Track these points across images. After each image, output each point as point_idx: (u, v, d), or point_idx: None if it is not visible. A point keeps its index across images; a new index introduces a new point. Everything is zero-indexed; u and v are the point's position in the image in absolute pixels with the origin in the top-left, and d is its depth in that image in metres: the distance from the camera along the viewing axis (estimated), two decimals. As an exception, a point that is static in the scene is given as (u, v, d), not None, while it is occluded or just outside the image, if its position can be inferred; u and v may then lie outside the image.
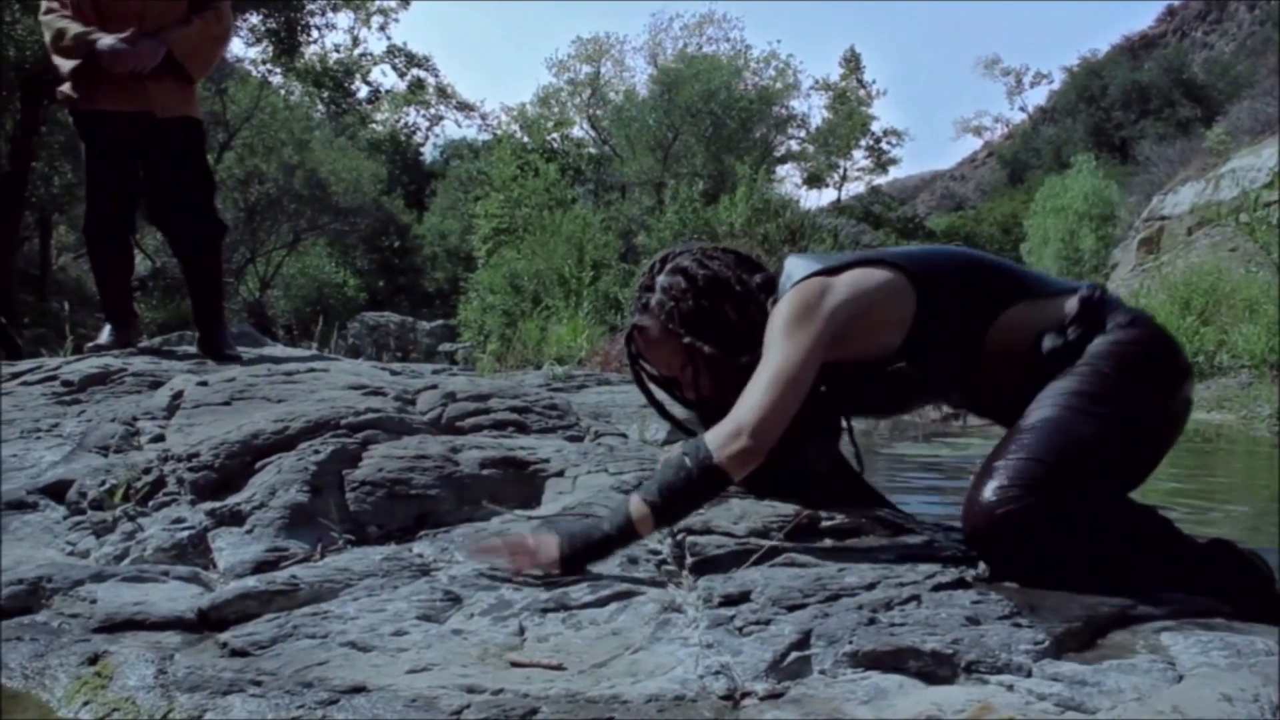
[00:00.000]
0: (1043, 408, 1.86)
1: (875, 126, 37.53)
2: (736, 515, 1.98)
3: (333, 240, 26.34)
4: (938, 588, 1.61)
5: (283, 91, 26.40)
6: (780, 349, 1.87)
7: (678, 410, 2.27)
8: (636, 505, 1.77)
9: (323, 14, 19.36)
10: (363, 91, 36.76)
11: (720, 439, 1.78)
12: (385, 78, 40.13)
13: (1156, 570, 1.78)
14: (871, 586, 1.61)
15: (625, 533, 1.77)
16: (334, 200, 24.23)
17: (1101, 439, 1.84)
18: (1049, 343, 1.95)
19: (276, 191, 22.95)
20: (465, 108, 39.94)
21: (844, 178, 37.39)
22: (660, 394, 2.19)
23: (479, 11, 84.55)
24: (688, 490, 1.78)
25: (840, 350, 1.94)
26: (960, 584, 1.64)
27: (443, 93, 39.39)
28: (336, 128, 30.88)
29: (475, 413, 2.74)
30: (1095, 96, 39.97)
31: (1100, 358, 1.91)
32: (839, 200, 37.03)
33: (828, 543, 1.92)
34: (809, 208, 29.07)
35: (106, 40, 3.86)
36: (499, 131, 34.28)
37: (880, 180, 40.09)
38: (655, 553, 1.84)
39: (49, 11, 3.96)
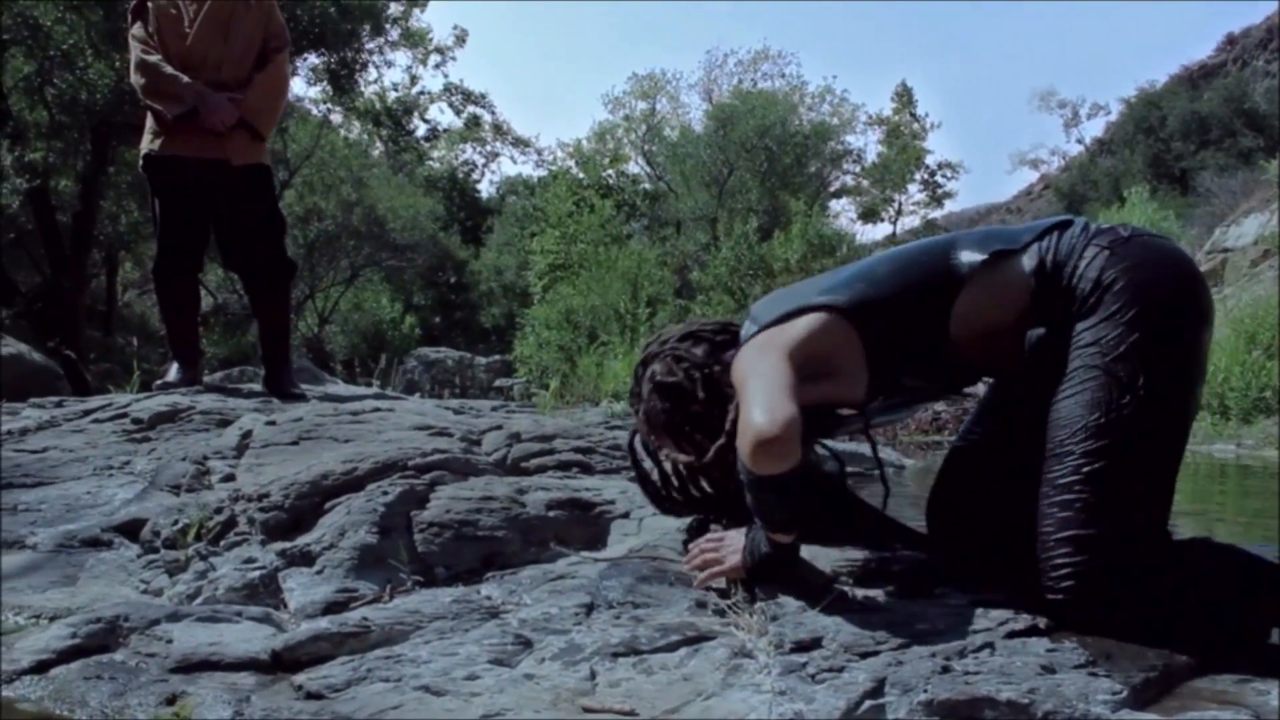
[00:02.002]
0: (1072, 442, 1.70)
1: (930, 160, 37.39)
2: (806, 559, 1.97)
3: (390, 276, 26.66)
4: (1011, 635, 1.59)
5: (342, 130, 26.88)
6: (752, 374, 1.80)
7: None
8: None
9: (381, 53, 19.70)
10: (420, 129, 37.29)
11: (740, 444, 1.72)
12: (442, 115, 40.70)
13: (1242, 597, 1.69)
14: (944, 633, 1.59)
15: (769, 541, 1.79)
16: (391, 237, 24.55)
17: (1142, 452, 1.69)
18: (1033, 338, 1.80)
19: (335, 228, 23.29)
20: (521, 144, 40.32)
21: (899, 211, 37.19)
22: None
23: (535, 48, 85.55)
24: (766, 501, 1.74)
25: (813, 392, 1.85)
26: (1034, 631, 1.61)
27: (499, 129, 39.81)
28: (394, 165, 31.33)
29: (540, 453, 2.76)
30: (1154, 127, 39.46)
31: (1103, 354, 1.72)
32: (894, 234, 36.80)
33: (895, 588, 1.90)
34: (865, 242, 29.00)
35: (217, 95, 4.05)
36: (555, 167, 34.56)
37: (936, 214, 39.83)
38: (725, 596, 1.83)
39: (146, 52, 4.11)
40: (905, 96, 38.38)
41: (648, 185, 33.10)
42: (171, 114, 4.05)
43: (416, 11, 22.81)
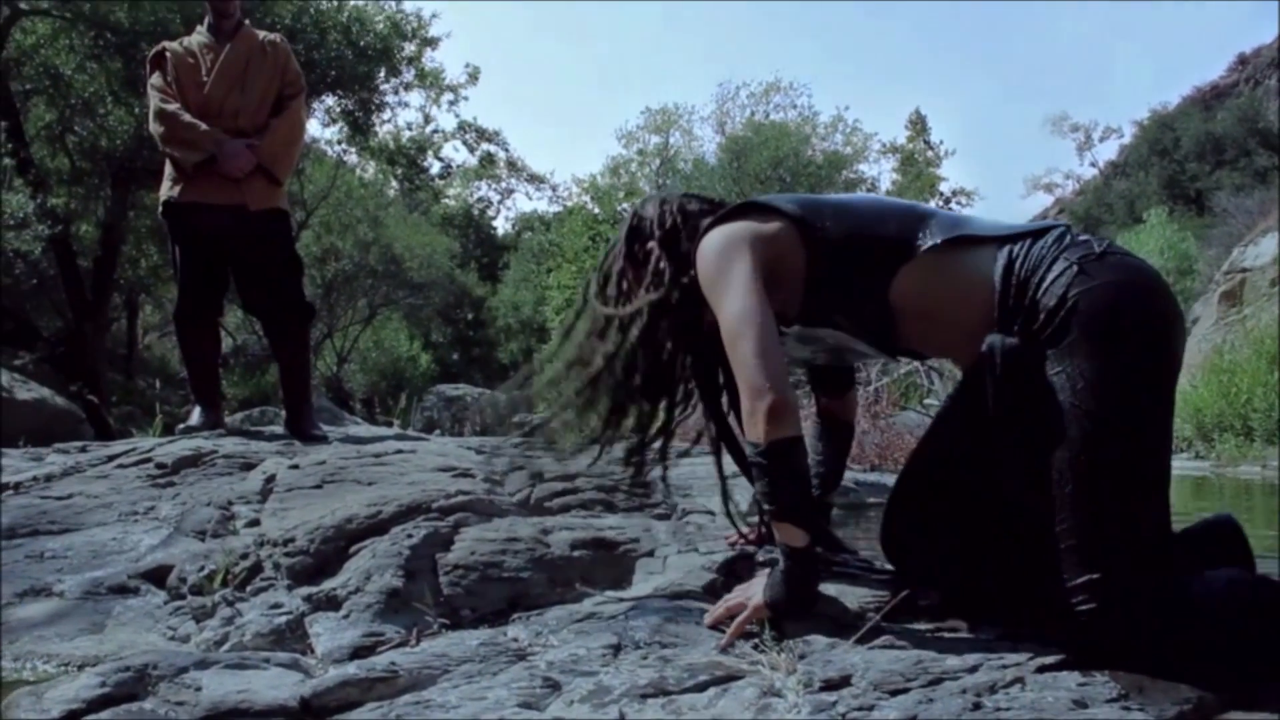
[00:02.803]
0: (1063, 485, 1.69)
1: (944, 186, 37.38)
2: (832, 595, 1.96)
3: (407, 314, 26.77)
4: (1041, 669, 1.58)
5: (357, 170, 27.06)
6: (723, 305, 1.88)
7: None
8: (775, 528, 1.82)
9: (395, 94, 19.85)
10: (435, 167, 37.48)
11: (749, 424, 1.79)
12: (457, 153, 40.91)
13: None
14: (974, 669, 1.58)
15: (790, 552, 1.79)
16: (408, 275, 24.66)
17: (1132, 483, 1.68)
18: (1002, 345, 1.75)
19: (352, 268, 23.43)
20: (536, 180, 40.49)
21: (915, 239, 37.17)
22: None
23: (547, 85, 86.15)
24: (775, 481, 1.77)
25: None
26: (1065, 665, 1.60)
27: (513, 166, 40.00)
28: (410, 203, 31.49)
29: (563, 492, 2.76)
30: (1168, 149, 39.45)
31: (1076, 390, 1.70)
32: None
33: (925, 622, 1.89)
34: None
35: (235, 142, 4.11)
36: (570, 203, 34.74)
37: (951, 240, 39.75)
38: (752, 635, 1.83)
39: (165, 101, 4.18)
40: (919, 124, 38.50)
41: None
42: (190, 162, 4.11)
43: (430, 51, 22.95)
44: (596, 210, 30.68)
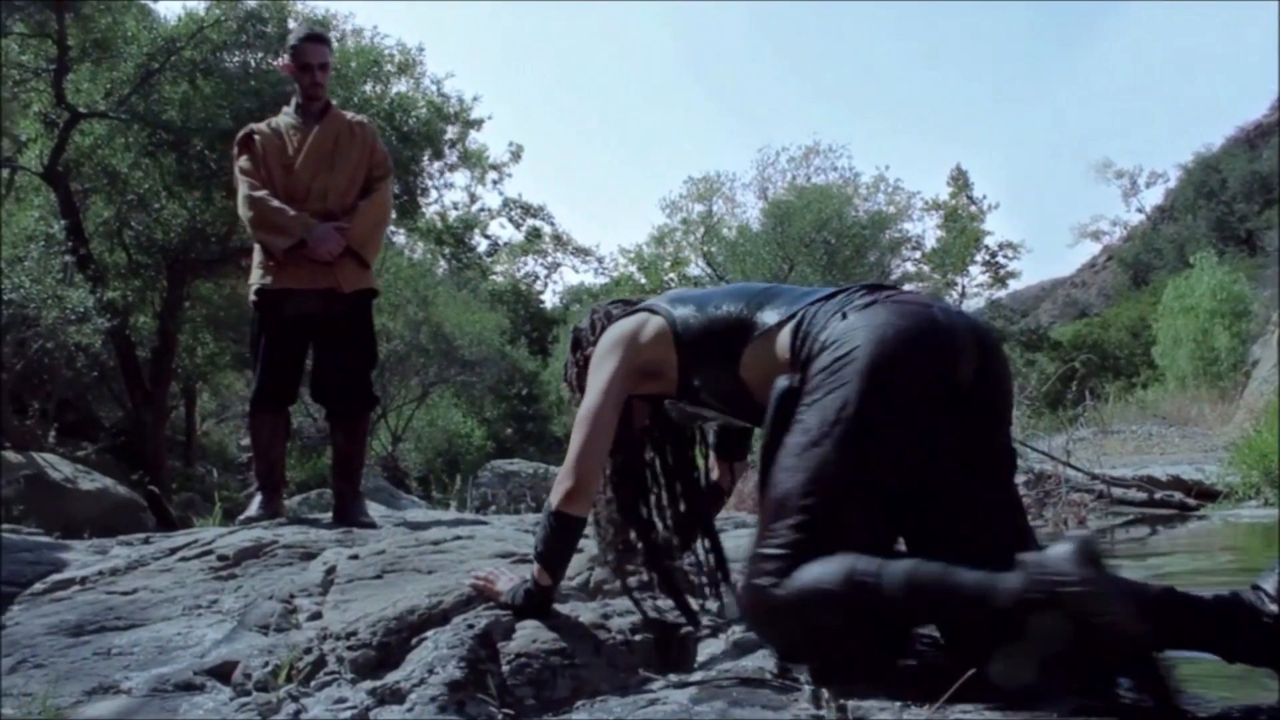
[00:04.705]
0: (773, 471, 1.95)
1: (990, 241, 37.15)
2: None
3: (460, 392, 26.93)
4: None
5: (405, 250, 27.45)
6: (587, 394, 2.31)
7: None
8: (536, 565, 2.28)
9: (440, 175, 20.21)
10: (482, 245, 37.93)
11: (555, 490, 2.24)
12: (503, 230, 41.33)
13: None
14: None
15: (535, 584, 2.28)
16: (459, 353, 24.84)
17: (817, 477, 1.86)
18: (779, 387, 2.02)
19: (404, 348, 23.66)
20: (582, 253, 40.79)
21: (963, 294, 36.89)
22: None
23: (589, 158, 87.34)
24: (552, 538, 2.25)
25: (648, 385, 2.35)
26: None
27: (559, 240, 40.37)
28: (458, 281, 31.86)
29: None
30: (1214, 191, 39.06)
31: (805, 404, 1.94)
32: (959, 317, 36.43)
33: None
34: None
35: (324, 226, 4.13)
36: (616, 274, 34.94)
37: (1000, 294, 39.50)
38: (818, 717, 1.80)
39: (254, 187, 4.19)
40: (961, 180, 38.36)
41: (710, 285, 33.26)
42: (281, 248, 4.12)
43: (473, 132, 23.37)
44: (644, 280, 30.85)
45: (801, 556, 1.82)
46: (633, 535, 2.54)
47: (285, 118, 4.37)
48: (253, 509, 4.30)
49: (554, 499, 2.23)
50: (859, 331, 1.91)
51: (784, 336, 2.09)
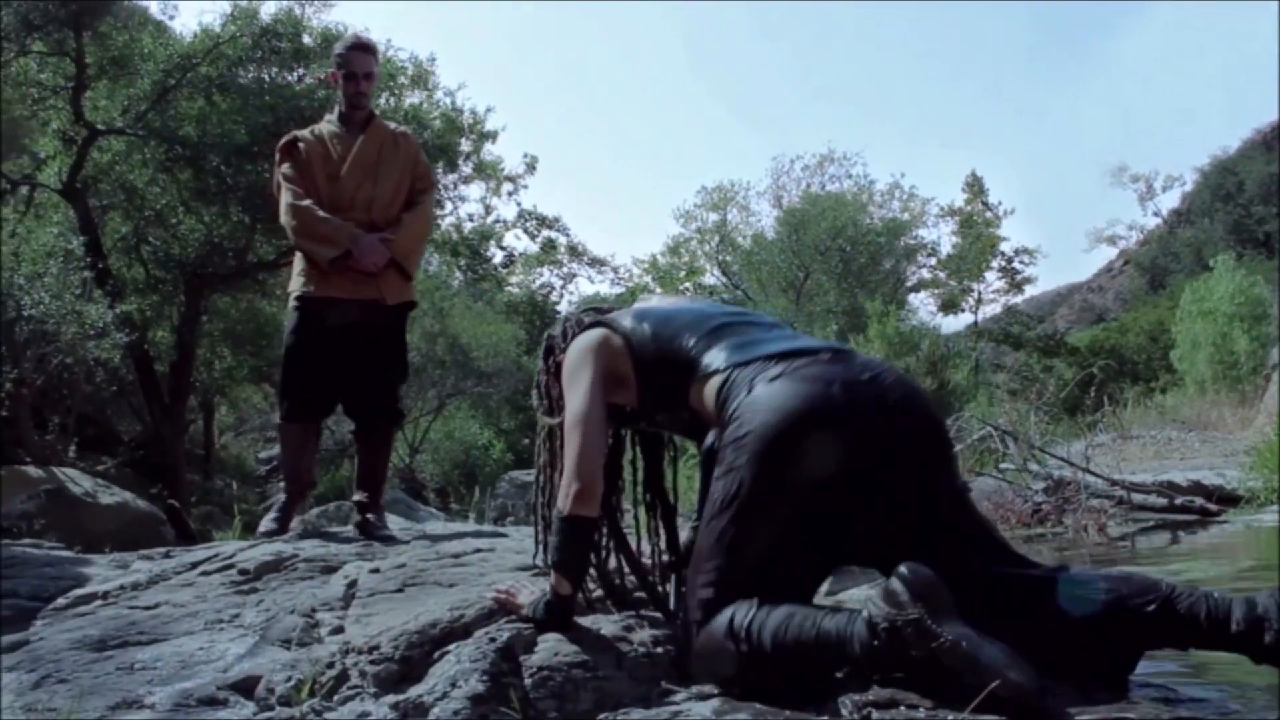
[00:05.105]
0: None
1: (1006, 246, 37.05)
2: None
3: (476, 403, 26.95)
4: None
5: (421, 262, 27.46)
6: (569, 402, 2.43)
7: None
8: (553, 574, 2.35)
9: (455, 188, 20.27)
10: (497, 256, 37.92)
11: (562, 496, 2.33)
12: (518, 241, 41.32)
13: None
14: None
15: (555, 595, 2.33)
16: (476, 365, 24.86)
17: (727, 542, 2.08)
18: (707, 443, 2.33)
19: (420, 359, 23.71)
20: (597, 263, 40.73)
21: (979, 300, 36.80)
22: None
23: (603, 169, 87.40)
24: (567, 543, 2.33)
25: (619, 393, 2.48)
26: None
27: (574, 250, 40.33)
28: (474, 293, 31.91)
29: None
30: (1231, 193, 38.82)
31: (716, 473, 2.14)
32: (976, 323, 36.37)
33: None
34: (946, 332, 28.69)
35: (370, 237, 4.08)
36: (632, 284, 34.96)
37: (1016, 299, 39.34)
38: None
39: (298, 196, 4.13)
40: (976, 186, 38.25)
41: (725, 295, 33.26)
42: (327, 258, 4.07)
43: (488, 144, 23.45)
44: (659, 290, 30.83)
45: (713, 610, 2.05)
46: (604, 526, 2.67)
47: (328, 126, 4.32)
48: (266, 522, 4.23)
49: (564, 505, 2.32)
50: (757, 414, 2.09)
51: (710, 392, 2.27)
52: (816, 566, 2.21)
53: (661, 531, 2.78)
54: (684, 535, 2.76)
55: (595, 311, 2.70)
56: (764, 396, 2.10)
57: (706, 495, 2.25)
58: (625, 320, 2.51)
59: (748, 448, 2.06)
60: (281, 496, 4.35)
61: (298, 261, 4.24)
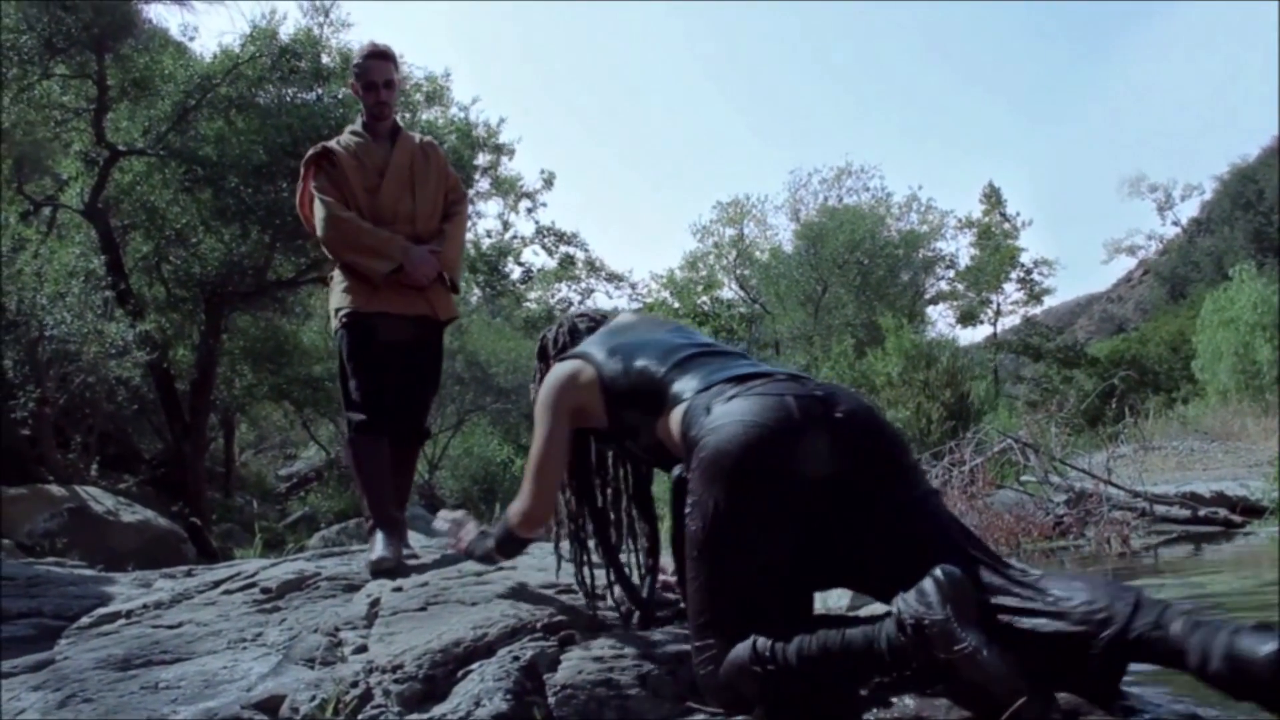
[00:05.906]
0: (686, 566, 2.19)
1: (1024, 258, 36.88)
2: (947, 704, 1.92)
3: (495, 419, 26.97)
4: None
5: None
6: (536, 432, 2.59)
7: None
8: (489, 549, 2.81)
9: (473, 204, 20.34)
10: (515, 273, 37.93)
11: (513, 511, 2.66)
12: (536, 257, 41.22)
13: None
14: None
15: (488, 557, 2.85)
16: (495, 381, 24.90)
17: (717, 577, 2.09)
18: (675, 473, 2.33)
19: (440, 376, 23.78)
20: (615, 279, 40.66)
21: (998, 312, 36.63)
22: None
23: (620, 184, 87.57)
24: (505, 545, 2.76)
25: (590, 421, 2.59)
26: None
27: (592, 266, 40.29)
28: (492, 309, 31.97)
29: (667, 604, 2.74)
30: (1251, 201, 38.59)
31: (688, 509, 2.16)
32: (995, 335, 36.23)
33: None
34: (964, 344, 28.57)
35: (420, 250, 3.96)
36: (650, 299, 34.94)
37: (1035, 310, 39.16)
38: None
39: (338, 208, 3.95)
40: (993, 197, 38.15)
41: (743, 309, 33.23)
42: (381, 272, 3.92)
43: (505, 160, 23.52)
44: (677, 304, 30.85)
45: (722, 648, 2.05)
46: (590, 527, 2.85)
47: (352, 138, 4.16)
48: (379, 548, 3.70)
49: (513, 520, 2.68)
50: (715, 433, 2.13)
51: (675, 422, 2.32)
52: (801, 586, 2.22)
53: (644, 541, 2.88)
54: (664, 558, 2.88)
55: (587, 317, 2.89)
56: (720, 415, 2.15)
57: (679, 526, 2.30)
58: (598, 352, 2.59)
59: (709, 468, 2.10)
60: (380, 534, 3.82)
61: (339, 277, 4.06)
